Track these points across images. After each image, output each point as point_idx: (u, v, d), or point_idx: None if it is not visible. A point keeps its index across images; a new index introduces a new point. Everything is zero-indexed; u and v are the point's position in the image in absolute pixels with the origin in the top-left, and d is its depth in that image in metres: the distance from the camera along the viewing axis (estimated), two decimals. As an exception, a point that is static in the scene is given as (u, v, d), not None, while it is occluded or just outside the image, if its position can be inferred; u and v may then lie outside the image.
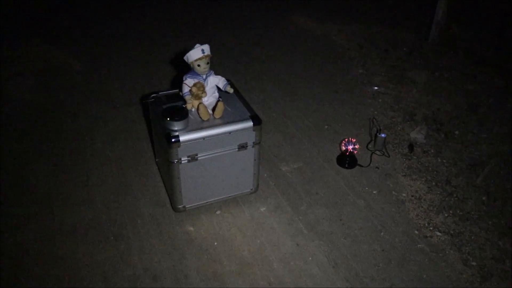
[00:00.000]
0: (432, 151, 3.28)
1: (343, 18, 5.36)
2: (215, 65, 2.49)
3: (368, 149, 3.26)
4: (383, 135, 3.16)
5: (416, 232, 2.64)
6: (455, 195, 2.91)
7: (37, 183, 2.87)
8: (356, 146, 3.04)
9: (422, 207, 2.82)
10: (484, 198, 2.91)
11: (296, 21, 5.28)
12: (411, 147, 3.28)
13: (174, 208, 2.63)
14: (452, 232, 2.65)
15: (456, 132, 3.46)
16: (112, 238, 2.51)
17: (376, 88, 3.97)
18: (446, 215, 2.77)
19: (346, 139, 3.05)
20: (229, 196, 2.71)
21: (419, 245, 2.55)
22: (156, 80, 4.03)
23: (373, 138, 3.28)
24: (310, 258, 2.44)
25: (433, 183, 3.00)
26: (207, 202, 2.66)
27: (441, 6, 4.57)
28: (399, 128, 3.49)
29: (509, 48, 4.37)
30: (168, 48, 4.57)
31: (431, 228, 2.67)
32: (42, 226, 2.57)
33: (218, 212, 2.69)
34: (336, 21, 5.28)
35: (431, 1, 4.84)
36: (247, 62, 4.37)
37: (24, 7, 5.44)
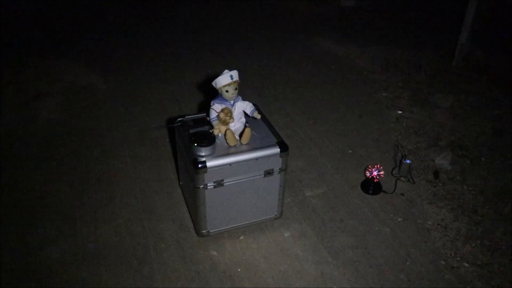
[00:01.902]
0: (458, 178, 3.23)
1: (365, 41, 5.36)
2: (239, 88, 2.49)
3: (392, 175, 3.22)
4: (408, 161, 3.13)
5: (442, 262, 2.59)
6: (482, 225, 2.86)
7: (61, 203, 2.89)
8: (381, 173, 3.01)
9: (448, 236, 2.77)
10: (512, 228, 2.85)
11: (319, 43, 5.30)
12: (436, 173, 3.24)
13: (198, 233, 2.63)
14: (479, 263, 2.60)
15: (482, 159, 3.41)
16: (135, 262, 2.51)
17: (400, 112, 3.95)
18: (473, 245, 2.72)
19: (371, 165, 3.03)
20: (253, 222, 2.70)
21: (446, 276, 2.50)
22: (182, 102, 4.05)
23: (398, 164, 3.25)
24: (335, 287, 2.41)
25: (459, 212, 2.95)
26: (231, 227, 2.65)
27: (465, 29, 4.54)
28: (423, 154, 3.45)
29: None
30: (192, 69, 4.62)
31: (458, 259, 2.62)
32: (66, 247, 2.59)
33: (241, 238, 2.67)
34: (359, 43, 5.28)
35: (455, 24, 4.83)
36: (270, 84, 4.39)
37: (48, 26, 5.56)
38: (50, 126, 3.64)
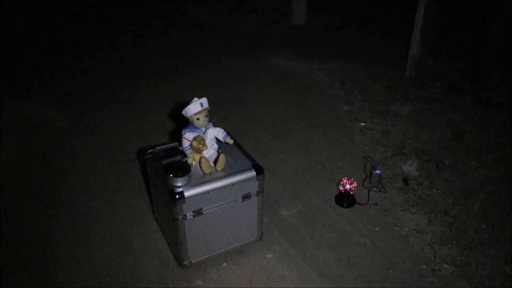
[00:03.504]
0: (426, 183, 3.33)
1: (320, 57, 5.49)
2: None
3: (364, 186, 3.28)
4: (378, 172, 3.20)
5: (423, 266, 2.65)
6: (455, 225, 2.95)
7: (31, 249, 2.76)
8: (353, 185, 3.06)
9: (425, 240, 2.84)
10: (483, 225, 2.95)
11: (275, 63, 5.39)
12: (405, 181, 3.33)
13: (180, 264, 2.58)
14: (458, 263, 2.67)
15: (446, 162, 3.53)
16: (118, 301, 2.44)
17: (363, 124, 4.05)
18: (450, 246, 2.79)
19: (344, 179, 3.08)
20: (235, 247, 2.68)
21: (429, 279, 2.56)
22: (147, 134, 3.99)
23: (368, 175, 3.31)
24: (324, 304, 2.41)
25: (432, 215, 3.03)
26: (213, 255, 2.62)
27: (415, 39, 4.74)
28: (391, 163, 3.54)
29: (483, 76, 4.53)
30: (152, 100, 4.57)
31: (437, 261, 2.68)
32: (44, 295, 2.48)
33: (224, 264, 2.64)
34: (315, 60, 5.41)
35: (405, 35, 5.02)
36: (232, 106, 4.41)
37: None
38: (9, 169, 3.50)
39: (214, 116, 4.11)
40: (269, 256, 2.71)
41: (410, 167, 3.44)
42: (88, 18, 7.13)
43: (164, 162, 2.48)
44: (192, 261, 2.56)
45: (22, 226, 2.95)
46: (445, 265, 2.65)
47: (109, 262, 2.68)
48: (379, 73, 5.01)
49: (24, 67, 5.37)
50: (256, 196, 2.54)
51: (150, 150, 2.64)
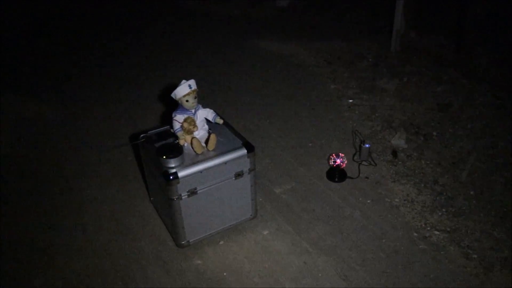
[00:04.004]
0: (415, 154, 3.39)
1: (306, 37, 5.51)
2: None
3: (354, 161, 3.35)
4: (367, 146, 3.26)
5: (415, 234, 2.72)
6: (444, 194, 3.02)
7: (31, 237, 2.81)
8: (344, 160, 3.11)
9: (416, 209, 2.91)
10: (471, 192, 3.03)
11: (261, 45, 5.41)
12: (394, 153, 3.39)
13: (178, 245, 2.63)
14: (448, 229, 2.75)
15: (434, 133, 3.60)
16: (120, 283, 2.49)
17: (350, 100, 4.10)
18: (440, 213, 2.87)
19: (334, 154, 3.13)
20: (231, 225, 2.73)
21: (420, 246, 2.63)
22: (137, 118, 4.02)
23: (358, 149, 3.37)
24: (320, 274, 2.48)
25: (422, 185, 3.11)
26: (210, 234, 2.68)
27: (398, 15, 4.78)
28: (379, 137, 3.61)
29: (466, 47, 4.59)
30: (141, 87, 4.59)
31: (428, 228, 2.76)
32: (46, 280, 2.52)
33: (221, 243, 2.70)
34: (300, 40, 5.43)
35: (388, 12, 5.06)
36: (221, 90, 4.44)
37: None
38: (5, 162, 3.52)
39: (203, 100, 4.16)
40: (265, 232, 2.77)
41: (398, 140, 3.50)
42: (76, 11, 7.08)
43: (157, 145, 2.52)
44: (190, 241, 2.62)
45: (21, 216, 2.99)
46: (436, 232, 2.73)
47: (109, 247, 2.72)
48: (364, 50, 5.05)
49: (10, 61, 5.35)
50: (249, 173, 2.60)
51: (142, 135, 2.68)
